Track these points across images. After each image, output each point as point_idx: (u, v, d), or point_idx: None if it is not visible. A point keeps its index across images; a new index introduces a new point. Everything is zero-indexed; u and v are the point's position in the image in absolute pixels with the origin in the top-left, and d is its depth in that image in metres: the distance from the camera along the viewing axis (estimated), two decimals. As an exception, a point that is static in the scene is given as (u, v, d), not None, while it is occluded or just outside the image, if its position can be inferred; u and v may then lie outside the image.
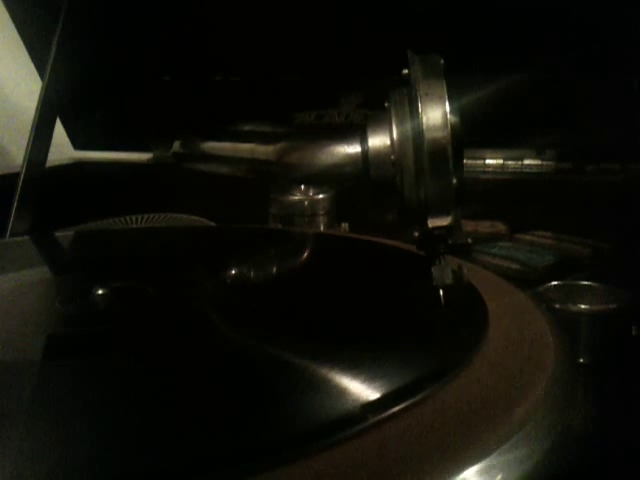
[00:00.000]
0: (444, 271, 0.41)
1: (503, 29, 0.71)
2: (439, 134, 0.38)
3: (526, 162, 0.79)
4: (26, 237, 0.69)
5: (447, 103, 0.38)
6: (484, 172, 0.80)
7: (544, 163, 0.78)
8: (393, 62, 0.41)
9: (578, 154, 0.77)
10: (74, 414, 0.31)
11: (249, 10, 0.79)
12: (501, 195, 0.77)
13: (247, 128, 0.56)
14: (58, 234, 0.71)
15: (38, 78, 0.89)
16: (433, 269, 0.41)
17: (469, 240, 0.41)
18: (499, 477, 0.27)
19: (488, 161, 0.80)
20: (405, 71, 0.40)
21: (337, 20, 0.79)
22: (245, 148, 0.49)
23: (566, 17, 0.68)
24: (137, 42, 0.88)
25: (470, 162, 0.80)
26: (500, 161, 0.80)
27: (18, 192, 0.70)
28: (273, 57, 0.83)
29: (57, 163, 0.97)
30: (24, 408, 0.32)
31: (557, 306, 0.47)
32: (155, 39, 0.88)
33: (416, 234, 0.42)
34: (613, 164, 0.74)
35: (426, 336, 0.39)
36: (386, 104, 0.41)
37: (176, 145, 0.58)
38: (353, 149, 0.42)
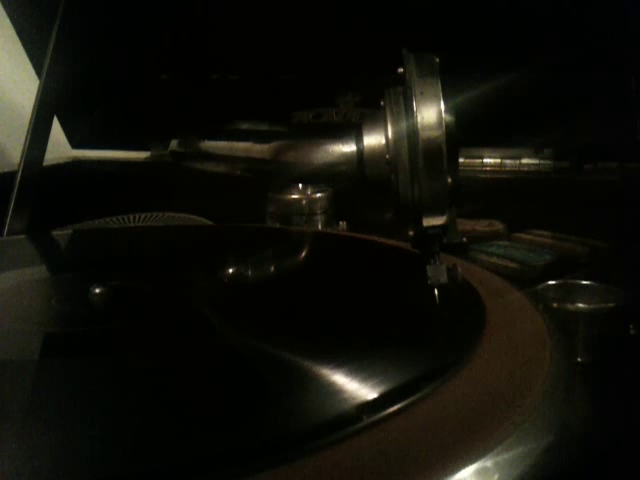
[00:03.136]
0: (439, 270, 0.41)
1: (503, 29, 0.71)
2: (434, 133, 0.38)
3: (524, 161, 0.79)
4: (23, 236, 0.69)
5: (442, 102, 0.38)
6: (482, 171, 0.80)
7: (542, 162, 0.78)
8: (391, 61, 0.41)
9: (576, 153, 0.77)
10: (72, 413, 0.31)
11: (248, 9, 0.79)
12: (499, 194, 0.77)
13: (244, 127, 0.56)
14: (55, 233, 0.71)
15: (35, 76, 0.89)
16: (428, 268, 0.41)
17: (464, 239, 0.41)
18: (497, 476, 0.27)
19: (486, 160, 0.80)
20: (400, 70, 0.40)
21: (336, 19, 0.79)
22: (241, 147, 0.49)
23: (565, 17, 0.68)
24: (135, 41, 0.88)
25: (468, 161, 0.80)
26: (498, 160, 0.80)
27: (15, 191, 0.70)
28: (271, 56, 0.83)
29: (54, 162, 0.97)
30: (21, 407, 0.32)
31: (555, 305, 0.47)
32: (153, 38, 0.88)
33: (411, 233, 0.42)
34: (611, 163, 0.74)
35: (424, 335, 0.39)
36: (381, 103, 0.41)
37: (174, 144, 0.58)
38: (348, 148, 0.42)
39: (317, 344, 0.38)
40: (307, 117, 0.86)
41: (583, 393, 0.35)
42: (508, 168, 0.80)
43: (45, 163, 0.73)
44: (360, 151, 0.42)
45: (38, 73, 0.87)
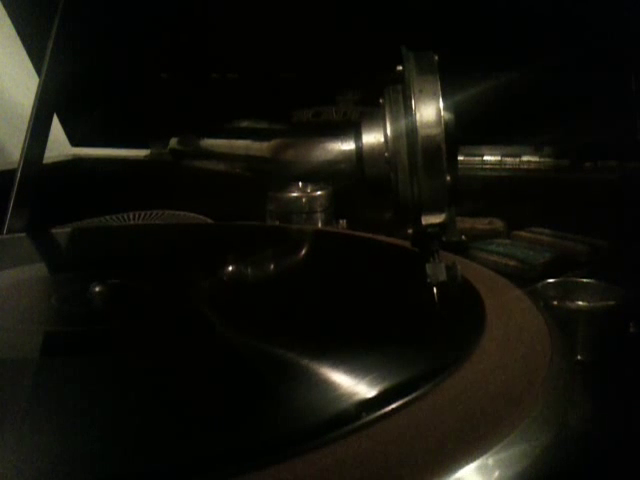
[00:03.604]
0: (438, 268, 0.41)
1: (503, 29, 0.71)
2: (433, 131, 0.38)
3: (524, 159, 0.79)
4: (23, 234, 0.69)
5: (441, 100, 0.38)
6: (482, 169, 0.80)
7: (542, 160, 0.78)
8: (391, 60, 0.41)
9: (576, 151, 0.77)
10: (72, 413, 0.31)
11: (247, 8, 0.79)
12: (499, 192, 0.77)
13: (244, 125, 0.56)
14: (55, 231, 0.71)
15: (35, 75, 0.89)
16: (427, 266, 0.41)
17: (463, 237, 0.41)
18: (496, 474, 0.27)
19: (486, 158, 0.80)
20: (400, 68, 0.40)
21: (335, 18, 0.79)
22: (241, 145, 0.49)
23: (565, 17, 0.68)
24: (135, 39, 0.88)
25: (468, 159, 0.80)
26: (498, 158, 0.80)
27: (15, 189, 0.70)
28: (271, 55, 0.83)
29: (54, 159, 0.97)
30: (20, 406, 0.32)
31: (555, 303, 0.47)
32: (153, 37, 0.88)
33: (410, 231, 0.42)
34: (610, 162, 0.74)
35: (423, 334, 0.39)
36: (381, 101, 0.41)
37: (173, 142, 0.58)
38: (347, 146, 0.42)
39: (317, 343, 0.38)
40: (307, 116, 0.86)
41: (583, 392, 0.35)
42: (508, 166, 0.80)
43: (45, 161, 0.73)
44: (359, 149, 0.42)
45: (38, 71, 0.87)
